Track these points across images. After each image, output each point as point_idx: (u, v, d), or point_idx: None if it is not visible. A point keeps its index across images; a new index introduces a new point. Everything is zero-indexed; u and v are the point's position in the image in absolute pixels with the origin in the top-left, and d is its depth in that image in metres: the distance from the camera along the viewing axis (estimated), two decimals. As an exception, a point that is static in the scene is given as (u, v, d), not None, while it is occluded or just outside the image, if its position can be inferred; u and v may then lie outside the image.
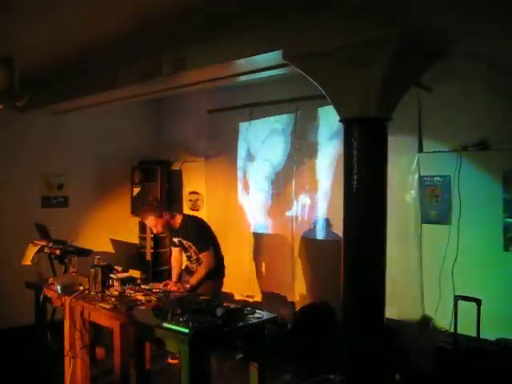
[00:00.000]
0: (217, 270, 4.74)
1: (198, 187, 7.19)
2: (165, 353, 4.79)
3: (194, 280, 4.56)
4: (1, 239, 6.00)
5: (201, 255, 4.64)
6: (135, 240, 7.29)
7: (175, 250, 5.00)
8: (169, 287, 4.54)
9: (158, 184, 7.03)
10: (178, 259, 5.00)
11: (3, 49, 3.88)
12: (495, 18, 3.05)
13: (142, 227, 7.04)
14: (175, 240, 4.86)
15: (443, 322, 4.67)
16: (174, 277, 4.91)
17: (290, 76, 4.53)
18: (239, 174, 6.66)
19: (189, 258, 4.85)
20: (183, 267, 4.98)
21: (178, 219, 4.75)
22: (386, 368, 3.79)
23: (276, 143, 6.26)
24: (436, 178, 4.91)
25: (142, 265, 6.96)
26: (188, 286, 4.53)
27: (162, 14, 3.61)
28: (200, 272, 4.59)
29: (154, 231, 4.91)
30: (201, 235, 4.71)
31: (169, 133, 7.53)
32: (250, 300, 6.28)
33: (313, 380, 4.58)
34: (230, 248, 6.54)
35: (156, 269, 7.01)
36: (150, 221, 4.66)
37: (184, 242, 4.76)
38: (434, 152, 4.94)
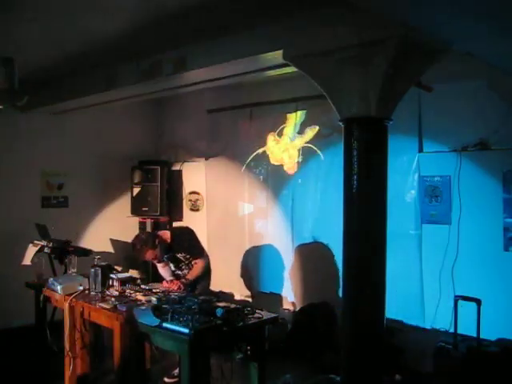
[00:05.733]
0: (207, 270, 4.93)
1: (198, 187, 7.18)
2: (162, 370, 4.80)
3: (190, 276, 4.70)
4: (1, 239, 6.00)
5: (196, 261, 4.76)
6: (135, 240, 7.28)
7: (160, 265, 4.97)
8: (174, 285, 4.54)
9: (158, 184, 7.02)
10: (166, 269, 4.98)
11: (3, 49, 3.88)
12: (495, 18, 3.05)
13: (142, 227, 7.04)
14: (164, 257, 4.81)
15: (443, 322, 4.67)
16: (169, 276, 4.92)
17: (289, 76, 4.53)
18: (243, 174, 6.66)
19: (179, 268, 4.90)
20: (170, 277, 4.95)
21: (167, 235, 4.78)
22: (386, 368, 3.79)
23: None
24: (436, 178, 4.91)
25: (142, 265, 6.95)
26: (184, 280, 4.62)
27: (162, 13, 3.61)
28: (196, 270, 4.73)
29: (155, 260, 4.78)
30: (194, 243, 4.83)
31: (169, 133, 7.53)
32: (250, 300, 6.29)
33: (313, 380, 4.58)
34: (230, 248, 6.56)
35: (156, 269, 7.00)
36: (149, 255, 4.60)
37: (178, 255, 4.78)
38: (434, 152, 4.94)
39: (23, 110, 5.70)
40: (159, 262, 4.88)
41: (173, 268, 4.92)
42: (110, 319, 3.91)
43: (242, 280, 6.46)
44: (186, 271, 4.86)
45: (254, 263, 6.42)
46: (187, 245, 4.76)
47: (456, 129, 4.72)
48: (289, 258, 6.09)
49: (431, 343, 4.39)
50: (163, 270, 4.99)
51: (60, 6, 3.42)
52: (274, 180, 6.29)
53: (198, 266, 4.75)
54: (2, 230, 6.04)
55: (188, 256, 4.78)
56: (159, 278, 5.12)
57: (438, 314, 4.81)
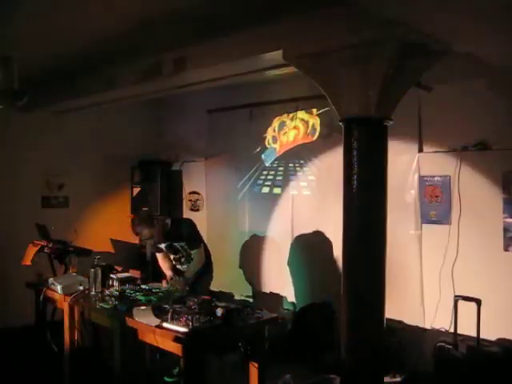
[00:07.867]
0: (208, 266, 4.93)
1: (198, 187, 7.19)
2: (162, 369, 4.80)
3: (188, 273, 4.71)
4: (1, 239, 6.00)
5: (193, 252, 4.76)
6: (135, 240, 7.28)
7: (160, 256, 5.00)
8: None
9: (158, 184, 7.03)
10: (166, 261, 5.00)
11: (3, 48, 3.87)
12: (495, 18, 3.06)
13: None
14: (162, 246, 4.84)
15: (443, 322, 4.67)
16: (170, 272, 4.93)
17: (289, 76, 4.53)
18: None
19: (177, 260, 4.91)
20: (170, 272, 4.96)
21: (168, 222, 4.78)
22: (386, 368, 3.79)
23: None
24: (436, 178, 4.91)
25: (142, 265, 6.95)
26: (182, 279, 4.63)
27: (163, 13, 3.61)
28: (194, 266, 4.75)
29: (152, 240, 4.82)
30: (193, 234, 4.83)
31: (169, 133, 7.53)
32: (250, 300, 6.28)
33: (313, 380, 4.58)
34: (230, 248, 6.56)
35: (156, 269, 7.00)
36: (146, 233, 4.61)
37: (175, 244, 4.79)
38: (434, 152, 4.94)
39: (23, 109, 5.70)
40: (158, 251, 4.91)
41: (173, 261, 4.93)
42: (110, 319, 3.91)
43: (241, 280, 6.46)
44: (185, 266, 4.87)
45: (254, 263, 6.42)
46: (186, 234, 4.76)
47: (456, 129, 4.72)
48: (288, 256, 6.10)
49: (431, 343, 4.39)
50: (163, 262, 5.00)
51: (60, 6, 3.42)
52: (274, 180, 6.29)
53: (195, 263, 4.76)
54: (2, 230, 6.04)
55: (186, 247, 4.79)
56: (159, 276, 5.11)
57: (437, 314, 4.81)
